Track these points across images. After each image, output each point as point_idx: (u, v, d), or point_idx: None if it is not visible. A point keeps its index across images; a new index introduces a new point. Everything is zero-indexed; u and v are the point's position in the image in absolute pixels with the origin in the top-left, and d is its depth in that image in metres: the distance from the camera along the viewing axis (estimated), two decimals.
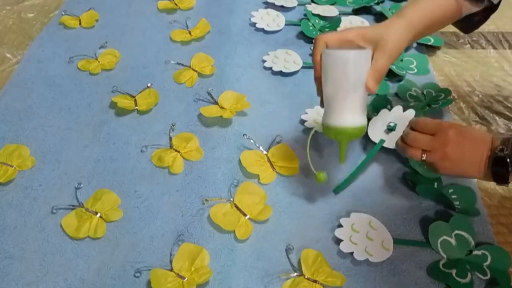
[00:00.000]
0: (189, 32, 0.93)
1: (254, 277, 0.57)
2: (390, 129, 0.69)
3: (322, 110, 0.74)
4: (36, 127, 0.76)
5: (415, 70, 0.84)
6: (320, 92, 0.58)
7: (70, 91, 0.82)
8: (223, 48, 0.90)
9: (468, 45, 0.91)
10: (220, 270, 0.58)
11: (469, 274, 0.55)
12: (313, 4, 1.00)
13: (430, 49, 0.89)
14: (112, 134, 0.75)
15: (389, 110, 0.72)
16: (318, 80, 0.58)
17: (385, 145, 0.68)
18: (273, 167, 0.68)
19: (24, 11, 1.03)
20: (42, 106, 0.79)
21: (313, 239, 0.60)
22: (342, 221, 0.60)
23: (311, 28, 0.93)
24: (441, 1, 0.60)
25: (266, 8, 0.99)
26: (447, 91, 0.78)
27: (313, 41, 0.88)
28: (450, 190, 0.64)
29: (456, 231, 0.59)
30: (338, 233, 0.59)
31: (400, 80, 0.82)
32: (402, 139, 0.61)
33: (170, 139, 0.73)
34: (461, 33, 0.93)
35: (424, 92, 0.79)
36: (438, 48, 0.90)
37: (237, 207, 0.63)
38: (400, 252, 0.58)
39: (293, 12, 1.00)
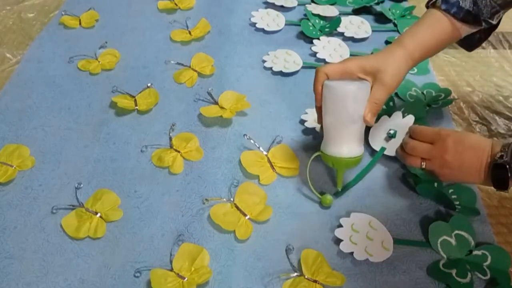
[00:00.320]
0: (189, 32, 0.93)
1: (254, 277, 0.57)
2: (390, 137, 0.69)
3: None
4: (36, 127, 0.76)
5: (415, 70, 0.84)
6: (320, 120, 0.61)
7: (70, 91, 0.82)
8: (223, 48, 0.90)
9: None
10: (220, 270, 0.58)
11: (469, 274, 0.55)
12: (313, 4, 1.00)
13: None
14: (112, 134, 0.75)
15: (389, 116, 0.71)
16: (319, 109, 0.60)
17: (386, 152, 0.68)
18: (273, 168, 0.68)
19: (24, 11, 1.03)
20: (42, 106, 0.79)
21: (313, 239, 0.60)
22: (342, 221, 0.60)
23: (311, 28, 0.93)
24: (438, 27, 0.60)
25: (266, 8, 0.99)
26: (447, 91, 0.78)
27: (313, 41, 0.89)
28: (450, 190, 0.64)
29: (456, 231, 0.59)
30: (338, 233, 0.59)
31: None
32: (402, 147, 0.62)
33: (170, 139, 0.73)
34: None
35: (424, 92, 0.79)
36: None
37: (237, 207, 0.63)
38: (400, 252, 0.58)
39: (293, 12, 1.00)
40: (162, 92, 0.81)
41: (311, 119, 0.74)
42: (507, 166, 0.50)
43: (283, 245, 0.60)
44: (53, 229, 0.62)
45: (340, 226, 0.60)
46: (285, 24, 0.95)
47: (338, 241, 0.59)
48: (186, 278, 0.56)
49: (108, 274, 0.57)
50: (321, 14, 0.95)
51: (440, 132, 0.57)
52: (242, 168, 0.68)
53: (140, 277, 0.57)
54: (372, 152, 0.69)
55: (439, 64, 0.87)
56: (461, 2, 0.58)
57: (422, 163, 0.58)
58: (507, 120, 0.76)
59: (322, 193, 0.63)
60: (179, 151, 0.71)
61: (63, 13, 0.99)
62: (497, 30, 0.92)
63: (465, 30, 0.61)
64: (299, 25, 0.93)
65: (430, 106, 0.76)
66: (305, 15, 0.97)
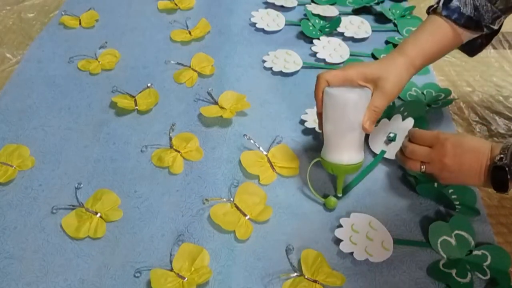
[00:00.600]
0: (189, 32, 0.93)
1: (254, 277, 0.57)
2: (390, 140, 0.68)
3: None
4: (36, 127, 0.76)
5: None
6: (321, 126, 0.61)
7: (70, 91, 0.82)
8: (223, 48, 0.90)
9: None
10: (220, 270, 0.58)
11: (469, 274, 0.55)
12: (313, 4, 1.00)
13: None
14: (112, 134, 0.75)
15: (389, 119, 0.71)
16: (320, 115, 0.60)
17: (386, 156, 0.68)
18: (273, 168, 0.68)
19: (24, 11, 1.03)
20: (42, 106, 0.79)
21: (313, 239, 0.60)
22: (342, 221, 0.60)
23: (311, 28, 0.93)
24: (439, 33, 0.60)
25: (266, 8, 0.99)
26: (447, 91, 0.78)
27: (313, 41, 0.89)
28: (450, 190, 0.64)
29: (456, 231, 0.59)
30: (338, 233, 0.59)
31: None
32: (401, 151, 0.61)
33: (170, 139, 0.73)
34: None
35: (424, 92, 0.79)
36: None
37: (237, 207, 0.63)
38: (400, 252, 0.58)
39: (293, 12, 1.00)
40: (162, 92, 0.81)
41: (311, 119, 0.74)
42: (507, 169, 0.50)
43: (283, 245, 0.60)
44: (53, 229, 0.62)
45: (340, 226, 0.60)
46: (285, 24, 0.95)
47: (338, 241, 0.59)
48: (186, 278, 0.56)
49: (108, 274, 0.57)
50: (321, 14, 0.95)
51: (438, 135, 0.57)
52: (242, 168, 0.68)
53: (140, 277, 0.57)
54: (373, 154, 0.69)
55: (439, 64, 0.87)
56: (462, 8, 0.58)
57: (422, 166, 0.58)
58: (507, 120, 0.76)
59: (325, 196, 0.63)
60: (179, 151, 0.71)
61: (63, 13, 0.99)
62: None
63: (467, 35, 0.61)
64: (299, 25, 0.93)
65: (430, 106, 0.76)
66: (305, 15, 0.97)
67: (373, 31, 0.92)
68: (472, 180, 0.55)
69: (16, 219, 0.63)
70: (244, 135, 0.72)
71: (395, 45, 0.88)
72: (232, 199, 0.64)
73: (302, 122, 0.74)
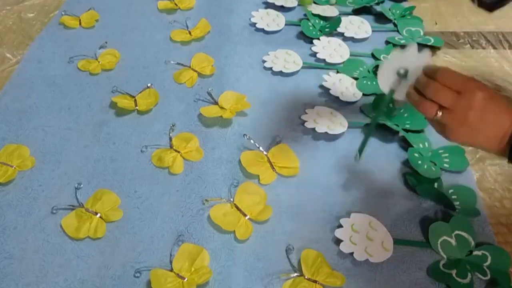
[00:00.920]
0: (189, 32, 0.93)
1: (254, 277, 0.57)
2: (401, 76, 0.56)
3: (321, 110, 0.75)
4: (36, 127, 0.76)
5: None
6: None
7: (70, 91, 0.82)
8: (223, 48, 0.90)
9: (468, 45, 0.91)
10: (220, 270, 0.58)
11: (469, 274, 0.55)
12: (313, 4, 1.00)
13: (430, 49, 0.89)
14: (112, 134, 0.75)
15: (402, 49, 0.60)
16: None
17: (396, 96, 0.58)
18: (273, 168, 0.68)
19: (24, 11, 1.03)
20: (42, 106, 0.79)
21: (313, 239, 0.60)
22: (342, 221, 0.60)
23: (311, 28, 0.93)
24: None
25: (266, 8, 0.99)
26: None
27: (313, 41, 0.89)
28: (450, 190, 0.64)
29: (456, 232, 0.59)
30: (338, 233, 0.59)
31: None
32: (416, 89, 0.52)
33: (170, 139, 0.73)
34: (461, 33, 0.93)
35: None
36: (438, 48, 0.89)
37: (237, 208, 0.63)
38: (400, 253, 0.58)
39: (293, 12, 1.00)
40: (162, 92, 0.81)
41: (311, 119, 0.74)
42: None
43: (283, 245, 0.60)
44: (53, 229, 0.62)
45: (340, 226, 0.60)
46: (285, 24, 0.95)
47: (338, 241, 0.59)
48: (186, 279, 0.56)
49: (108, 274, 0.57)
50: (321, 14, 0.95)
51: (471, 81, 0.49)
52: (242, 168, 0.68)
53: (140, 277, 0.57)
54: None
55: (439, 64, 0.86)
56: None
57: (439, 112, 0.49)
58: None
59: None
60: (179, 151, 0.71)
61: (63, 13, 0.99)
62: (497, 30, 0.93)
63: None
64: (299, 25, 0.93)
65: None
66: (305, 15, 0.97)
67: (373, 31, 0.92)
68: (487, 143, 0.49)
69: (16, 219, 0.63)
70: (244, 135, 0.72)
71: (395, 45, 0.88)
72: (232, 199, 0.64)
73: (302, 122, 0.74)
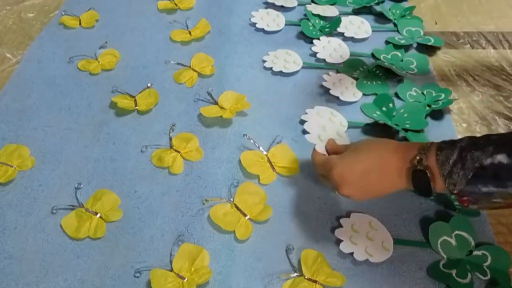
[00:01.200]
0: (189, 32, 0.93)
1: (254, 277, 0.57)
2: None
3: (321, 110, 0.75)
4: (36, 127, 0.76)
5: (415, 70, 0.84)
6: None
7: (70, 91, 0.82)
8: (223, 48, 0.90)
9: (468, 45, 0.91)
10: (220, 270, 0.58)
11: (469, 274, 0.55)
12: (313, 4, 1.00)
13: (430, 49, 0.89)
14: (112, 134, 0.75)
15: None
16: None
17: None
18: (273, 168, 0.68)
19: (24, 11, 1.03)
20: (42, 106, 0.79)
21: (313, 239, 0.60)
22: (342, 221, 0.60)
23: (311, 28, 0.93)
24: None
25: (266, 8, 0.99)
26: (447, 91, 0.78)
27: (313, 41, 0.89)
28: None
29: (456, 232, 0.59)
30: (338, 233, 0.59)
31: (400, 80, 0.82)
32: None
33: (170, 139, 0.73)
34: (461, 33, 0.93)
35: (424, 92, 0.79)
36: (438, 48, 0.89)
37: (237, 207, 0.63)
38: (400, 253, 0.58)
39: (293, 12, 1.00)
40: (162, 92, 0.81)
41: (311, 119, 0.73)
42: (427, 172, 0.47)
43: (283, 245, 0.60)
44: (53, 229, 0.62)
45: (340, 226, 0.60)
46: (285, 24, 0.95)
47: (338, 241, 0.59)
48: (186, 279, 0.56)
49: (108, 274, 0.57)
50: (321, 14, 0.95)
51: (328, 162, 0.56)
52: (242, 168, 0.68)
53: (140, 278, 0.57)
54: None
55: (439, 64, 0.87)
56: None
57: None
58: (507, 120, 0.76)
59: None
60: (179, 151, 0.71)
61: (63, 13, 0.99)
62: (497, 30, 0.93)
63: None
64: (299, 25, 0.93)
65: (430, 106, 0.76)
66: (305, 15, 0.97)
67: (373, 31, 0.92)
68: (392, 185, 0.52)
69: (16, 219, 0.63)
70: (244, 135, 0.72)
71: (395, 45, 0.88)
72: (232, 199, 0.64)
73: (302, 122, 0.74)
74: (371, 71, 0.83)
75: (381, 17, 0.96)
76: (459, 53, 0.89)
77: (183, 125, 0.76)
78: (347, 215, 0.61)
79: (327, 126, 0.69)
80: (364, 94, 0.79)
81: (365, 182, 0.52)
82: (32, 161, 0.70)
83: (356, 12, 0.98)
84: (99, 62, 0.87)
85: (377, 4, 0.99)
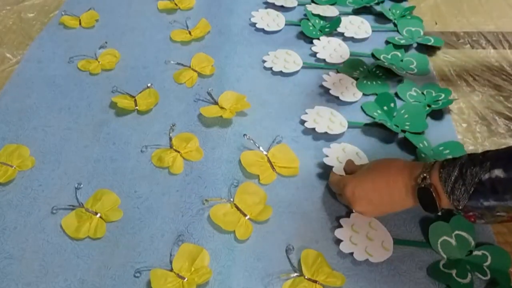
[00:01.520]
0: (189, 32, 0.93)
1: (254, 277, 0.57)
2: None
3: (321, 110, 0.75)
4: (36, 127, 0.76)
5: (415, 70, 0.84)
6: None
7: (70, 91, 0.82)
8: (223, 48, 0.90)
9: (468, 45, 0.91)
10: (220, 270, 0.58)
11: (469, 274, 0.55)
12: (313, 4, 1.00)
13: (430, 49, 0.89)
14: (112, 134, 0.75)
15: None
16: None
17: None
18: (273, 168, 0.68)
19: (24, 11, 1.03)
20: (42, 106, 0.79)
21: (313, 239, 0.60)
22: (342, 221, 0.60)
23: (311, 28, 0.93)
24: None
25: (266, 8, 0.99)
26: (447, 91, 0.78)
27: (313, 41, 0.89)
28: None
29: (457, 232, 0.59)
30: (338, 233, 0.59)
31: (400, 80, 0.82)
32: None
33: (170, 139, 0.73)
34: (461, 33, 0.93)
35: (424, 92, 0.79)
36: (438, 48, 0.89)
37: (237, 207, 0.63)
38: (400, 253, 0.58)
39: (293, 12, 1.00)
40: (162, 92, 0.81)
41: (311, 119, 0.74)
42: (431, 190, 0.49)
43: (283, 245, 0.60)
44: (53, 229, 0.62)
45: (340, 226, 0.60)
46: (285, 24, 0.95)
47: (338, 241, 0.59)
48: (186, 278, 0.56)
49: (108, 274, 0.57)
50: (321, 14, 0.95)
51: (339, 181, 0.61)
52: (242, 168, 0.68)
53: (140, 277, 0.57)
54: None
55: (439, 64, 0.87)
56: None
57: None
58: (507, 120, 0.76)
59: None
60: (179, 151, 0.71)
61: (63, 13, 0.99)
62: (497, 30, 0.93)
63: None
64: (299, 25, 0.93)
65: (430, 106, 0.76)
66: (305, 15, 0.97)
67: (373, 31, 0.92)
68: (401, 204, 0.55)
69: (16, 219, 0.63)
70: (244, 135, 0.72)
71: (395, 45, 0.88)
72: (232, 199, 0.64)
73: (302, 122, 0.74)
74: (371, 71, 0.83)
75: (381, 17, 0.96)
76: (459, 53, 0.89)
77: (183, 125, 0.76)
78: (347, 215, 0.61)
79: (346, 148, 0.69)
80: (364, 94, 0.79)
81: (376, 199, 0.55)
82: (32, 161, 0.70)
83: (356, 12, 0.98)
84: (99, 62, 0.87)
85: (377, 4, 0.99)
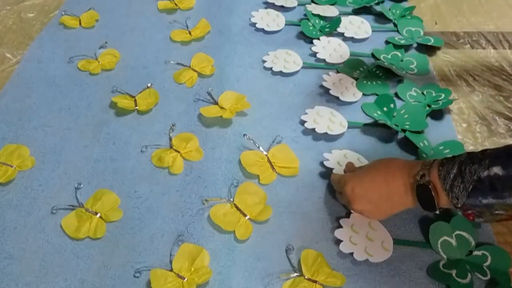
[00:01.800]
0: (189, 32, 0.93)
1: (254, 277, 0.57)
2: None
3: (321, 110, 0.75)
4: (36, 127, 0.76)
5: (415, 70, 0.84)
6: None
7: (70, 91, 0.82)
8: (223, 48, 0.90)
9: (468, 45, 0.91)
10: (220, 270, 0.58)
11: (469, 274, 0.55)
12: (313, 4, 1.00)
13: (430, 49, 0.89)
14: (112, 134, 0.75)
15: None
16: None
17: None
18: (273, 168, 0.68)
19: (24, 11, 1.03)
20: (42, 106, 0.79)
21: (313, 239, 0.60)
22: (342, 221, 0.60)
23: (311, 28, 0.93)
24: None
25: (266, 8, 0.99)
26: (447, 91, 0.78)
27: (313, 41, 0.89)
28: None
29: (457, 232, 0.59)
30: (338, 233, 0.59)
31: (400, 81, 0.82)
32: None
33: (170, 139, 0.73)
34: (461, 33, 0.93)
35: (424, 92, 0.79)
36: (438, 48, 0.89)
37: (237, 208, 0.63)
38: (400, 253, 0.58)
39: (293, 12, 1.00)
40: (162, 92, 0.81)
41: (311, 119, 0.74)
42: (430, 187, 0.49)
43: (283, 245, 0.60)
44: (53, 229, 0.62)
45: (340, 226, 0.60)
46: (285, 24, 0.95)
47: (338, 241, 0.59)
48: (186, 278, 0.56)
49: (108, 274, 0.57)
50: (321, 14, 0.95)
51: (343, 178, 0.61)
52: (242, 168, 0.68)
53: (140, 277, 0.57)
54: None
55: (439, 64, 0.87)
56: None
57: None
58: (507, 120, 0.76)
59: None
60: (179, 151, 0.71)
61: (63, 13, 0.99)
62: (497, 30, 0.93)
63: None
64: (299, 25, 0.93)
65: (430, 106, 0.76)
66: (305, 15, 0.97)
67: (373, 31, 0.92)
68: (400, 203, 0.55)
69: (16, 219, 0.63)
70: (244, 135, 0.72)
71: (395, 45, 0.88)
72: (232, 199, 0.64)
73: (302, 122, 0.74)
74: (371, 71, 0.83)
75: (381, 17, 0.96)
76: (459, 53, 0.89)
77: (183, 125, 0.76)
78: (347, 216, 0.61)
79: (347, 154, 0.69)
80: (364, 94, 0.79)
81: (375, 198, 0.56)
82: (32, 161, 0.70)
83: (356, 12, 0.98)
84: (99, 62, 0.87)
85: (377, 4, 0.99)
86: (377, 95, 0.78)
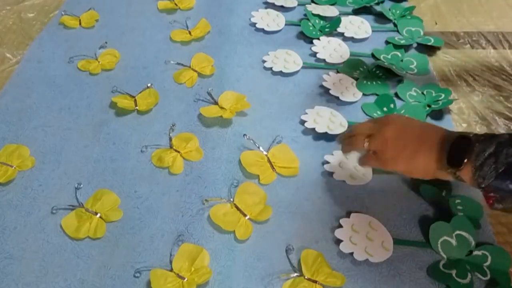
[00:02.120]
0: (189, 32, 0.93)
1: (254, 277, 0.57)
2: None
3: (321, 110, 0.75)
4: (36, 127, 0.76)
5: (415, 70, 0.84)
6: None
7: (70, 91, 0.82)
8: (223, 48, 0.90)
9: (468, 45, 0.91)
10: (220, 270, 0.58)
11: (469, 274, 0.55)
12: (313, 4, 1.00)
13: (430, 49, 0.89)
14: (112, 134, 0.75)
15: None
16: None
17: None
18: (273, 168, 0.68)
19: (24, 11, 1.03)
20: (42, 106, 0.79)
21: (313, 239, 0.60)
22: (342, 221, 0.60)
23: (311, 28, 0.93)
24: None
25: (266, 8, 0.99)
26: (447, 91, 0.78)
27: (313, 41, 0.89)
28: (457, 201, 0.62)
29: (457, 231, 0.59)
30: (338, 233, 0.59)
31: (400, 81, 0.82)
32: (344, 136, 0.61)
33: (170, 139, 0.73)
34: (461, 33, 0.93)
35: (424, 92, 0.79)
36: (438, 48, 0.89)
37: (237, 208, 0.63)
38: (400, 253, 0.58)
39: (293, 12, 1.00)
40: (162, 92, 0.81)
41: (311, 119, 0.74)
42: (471, 140, 0.47)
43: (283, 245, 0.60)
44: (53, 229, 0.62)
45: (340, 226, 0.60)
46: (285, 24, 0.95)
47: (338, 241, 0.59)
48: (186, 278, 0.56)
49: (108, 274, 0.57)
50: (321, 14, 0.95)
51: (383, 117, 0.57)
52: (242, 168, 0.68)
53: (140, 278, 0.57)
54: None
55: (439, 64, 0.87)
56: None
57: (366, 139, 0.55)
58: (507, 120, 0.76)
59: None
60: (179, 151, 0.71)
61: (63, 13, 0.99)
62: (497, 30, 0.93)
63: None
64: (299, 25, 0.93)
65: (430, 106, 0.76)
66: (305, 15, 0.97)
67: (373, 31, 0.92)
68: (420, 155, 0.51)
69: (16, 219, 0.63)
70: (244, 135, 0.72)
71: (395, 45, 0.88)
72: (232, 199, 0.64)
73: (302, 122, 0.74)
74: (371, 71, 0.83)
75: (381, 17, 0.96)
76: (459, 53, 0.89)
77: (183, 125, 0.76)
78: (347, 215, 0.61)
79: (349, 155, 0.68)
80: (364, 94, 0.79)
81: (410, 143, 0.52)
82: (32, 161, 0.70)
83: (356, 12, 0.98)
84: (99, 62, 0.87)
85: (377, 4, 0.99)
86: (377, 95, 0.79)
